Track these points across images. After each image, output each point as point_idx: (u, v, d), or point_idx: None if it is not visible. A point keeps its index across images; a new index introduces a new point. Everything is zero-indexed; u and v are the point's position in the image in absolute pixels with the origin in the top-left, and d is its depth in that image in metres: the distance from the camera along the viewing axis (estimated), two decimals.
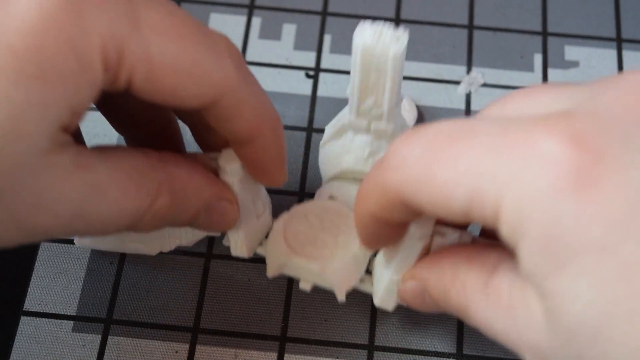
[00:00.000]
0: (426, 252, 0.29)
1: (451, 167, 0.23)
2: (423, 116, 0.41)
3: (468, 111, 0.41)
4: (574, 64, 0.43)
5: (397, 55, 0.30)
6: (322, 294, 0.36)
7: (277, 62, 0.43)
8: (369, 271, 0.34)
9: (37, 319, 0.36)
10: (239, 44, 0.43)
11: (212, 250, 0.37)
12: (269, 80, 0.42)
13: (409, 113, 0.40)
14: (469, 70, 0.43)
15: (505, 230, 0.22)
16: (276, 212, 0.35)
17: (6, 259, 0.37)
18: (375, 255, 0.33)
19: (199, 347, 0.35)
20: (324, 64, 0.43)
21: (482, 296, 0.25)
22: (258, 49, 0.43)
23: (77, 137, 0.29)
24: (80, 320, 0.36)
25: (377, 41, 0.30)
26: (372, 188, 0.26)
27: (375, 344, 0.35)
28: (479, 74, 0.42)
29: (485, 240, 0.29)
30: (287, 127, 0.41)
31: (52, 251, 0.37)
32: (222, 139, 0.30)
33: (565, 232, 0.20)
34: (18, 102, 0.22)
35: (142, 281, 0.36)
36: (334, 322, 0.36)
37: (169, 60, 0.25)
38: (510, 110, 0.25)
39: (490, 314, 0.25)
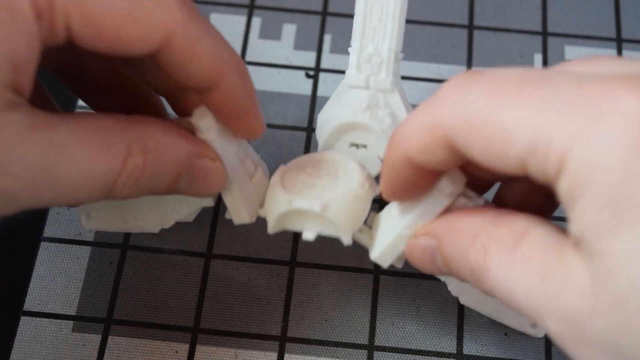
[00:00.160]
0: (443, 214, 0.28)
1: (517, 111, 0.22)
2: None
3: None
4: None
5: None
6: (322, 292, 0.36)
7: (277, 62, 0.43)
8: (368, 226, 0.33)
9: (37, 319, 0.36)
10: (239, 44, 0.43)
11: (212, 250, 0.37)
12: (269, 80, 0.42)
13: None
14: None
15: (566, 184, 0.21)
16: None
17: (6, 259, 0.37)
18: (377, 207, 0.32)
19: (199, 347, 0.35)
20: (324, 64, 0.43)
21: (507, 259, 0.24)
22: (258, 49, 0.43)
23: (44, 104, 0.28)
24: (80, 320, 0.36)
25: None
26: (416, 126, 0.25)
27: (375, 344, 0.35)
28: None
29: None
30: (287, 127, 0.41)
31: (52, 251, 0.37)
32: (198, 102, 0.29)
33: (637, 189, 0.20)
34: None
35: (142, 281, 0.36)
36: (334, 322, 0.36)
37: (101, 0, 0.24)
38: (576, 69, 0.24)
39: (513, 277, 0.24)
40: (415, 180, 0.27)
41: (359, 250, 0.37)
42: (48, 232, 0.38)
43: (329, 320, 0.36)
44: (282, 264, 0.37)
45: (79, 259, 0.37)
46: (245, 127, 0.30)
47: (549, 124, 0.21)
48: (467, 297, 0.34)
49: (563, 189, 0.21)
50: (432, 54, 0.43)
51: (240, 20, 0.44)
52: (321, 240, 0.37)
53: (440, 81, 0.42)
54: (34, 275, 0.37)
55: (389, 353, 0.35)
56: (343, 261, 0.37)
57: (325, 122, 0.35)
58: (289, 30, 0.44)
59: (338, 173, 0.32)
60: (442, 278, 0.34)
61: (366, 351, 0.35)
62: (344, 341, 0.35)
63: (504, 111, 0.22)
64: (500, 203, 0.30)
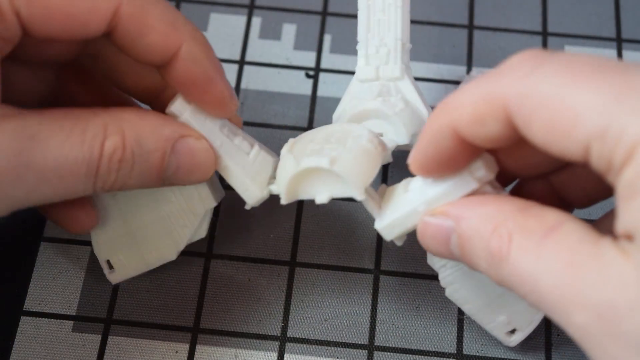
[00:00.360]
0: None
1: (592, 94, 0.21)
2: None
3: None
4: None
5: None
6: (322, 292, 0.36)
7: (277, 62, 0.43)
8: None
9: (37, 319, 0.36)
10: (239, 44, 0.43)
11: (212, 250, 0.37)
12: (269, 80, 0.42)
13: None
14: (469, 70, 0.43)
15: (630, 175, 0.21)
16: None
17: (6, 259, 0.37)
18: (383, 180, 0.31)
19: (199, 347, 0.35)
20: (324, 64, 0.43)
21: (534, 248, 0.23)
22: (258, 49, 0.43)
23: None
24: (80, 320, 0.36)
25: None
26: (471, 95, 0.24)
27: (375, 344, 0.35)
28: (479, 74, 0.42)
29: None
30: (287, 127, 0.41)
31: (52, 251, 0.37)
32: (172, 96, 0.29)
33: None
34: None
35: (142, 281, 0.36)
36: (334, 322, 0.36)
37: None
38: None
39: (540, 266, 0.23)
40: (453, 154, 0.26)
41: (359, 250, 0.37)
42: (48, 232, 0.38)
43: (329, 320, 0.36)
44: (282, 264, 0.37)
45: (79, 259, 0.37)
46: (215, 99, 0.29)
47: (624, 111, 0.21)
48: (456, 290, 0.33)
49: (625, 179, 0.21)
50: (432, 54, 0.43)
51: (240, 20, 0.44)
52: (321, 240, 0.38)
53: (440, 81, 0.42)
54: (34, 275, 0.37)
55: (389, 353, 0.35)
56: (343, 261, 0.37)
57: (339, 117, 0.35)
58: (289, 30, 0.44)
59: (347, 138, 0.31)
60: (437, 265, 0.33)
61: (366, 351, 0.35)
62: (344, 341, 0.35)
63: (579, 92, 0.22)
64: None
